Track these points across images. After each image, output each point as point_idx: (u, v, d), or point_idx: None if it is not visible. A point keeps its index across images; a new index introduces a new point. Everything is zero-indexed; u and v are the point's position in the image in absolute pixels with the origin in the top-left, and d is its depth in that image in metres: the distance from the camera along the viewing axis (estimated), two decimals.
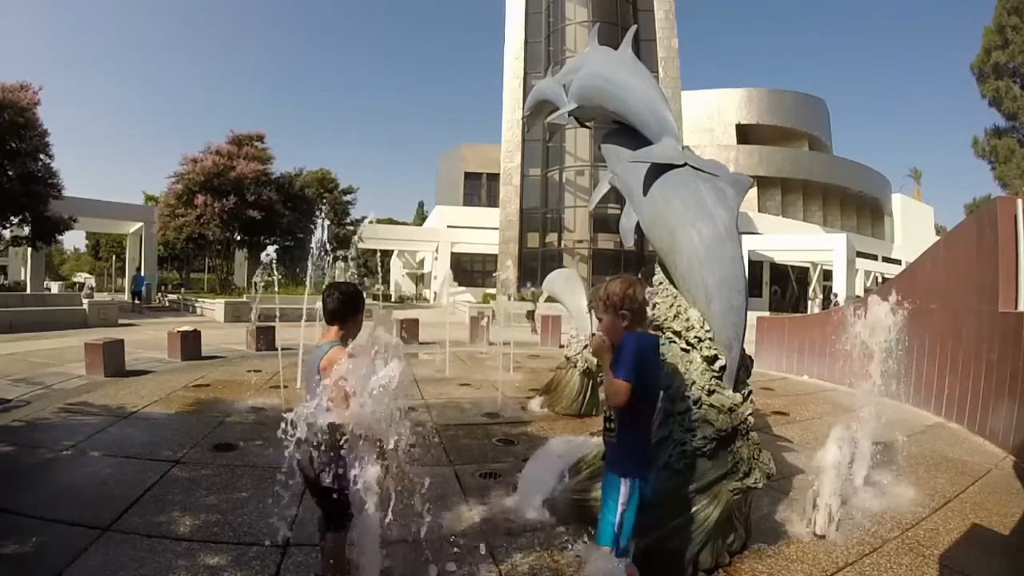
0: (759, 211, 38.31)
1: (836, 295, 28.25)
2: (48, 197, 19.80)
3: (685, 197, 3.29)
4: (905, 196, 50.72)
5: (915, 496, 4.14)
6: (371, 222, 32.23)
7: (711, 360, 3.10)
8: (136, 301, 23.58)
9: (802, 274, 37.12)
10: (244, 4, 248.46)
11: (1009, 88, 21.75)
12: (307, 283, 9.04)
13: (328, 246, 8.65)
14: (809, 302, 26.87)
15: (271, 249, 9.17)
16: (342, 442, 2.27)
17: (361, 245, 32.28)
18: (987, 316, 6.02)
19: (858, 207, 46.62)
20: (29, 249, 23.90)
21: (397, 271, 43.23)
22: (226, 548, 3.12)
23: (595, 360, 6.58)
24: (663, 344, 3.48)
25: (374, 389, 2.20)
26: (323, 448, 2.27)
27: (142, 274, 25.63)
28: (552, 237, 30.25)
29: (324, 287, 2.72)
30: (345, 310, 2.61)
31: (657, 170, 3.47)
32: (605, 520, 2.35)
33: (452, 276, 27.37)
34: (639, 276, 2.52)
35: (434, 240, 36.94)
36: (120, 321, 16.75)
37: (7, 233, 21.64)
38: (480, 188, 43.64)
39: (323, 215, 10.50)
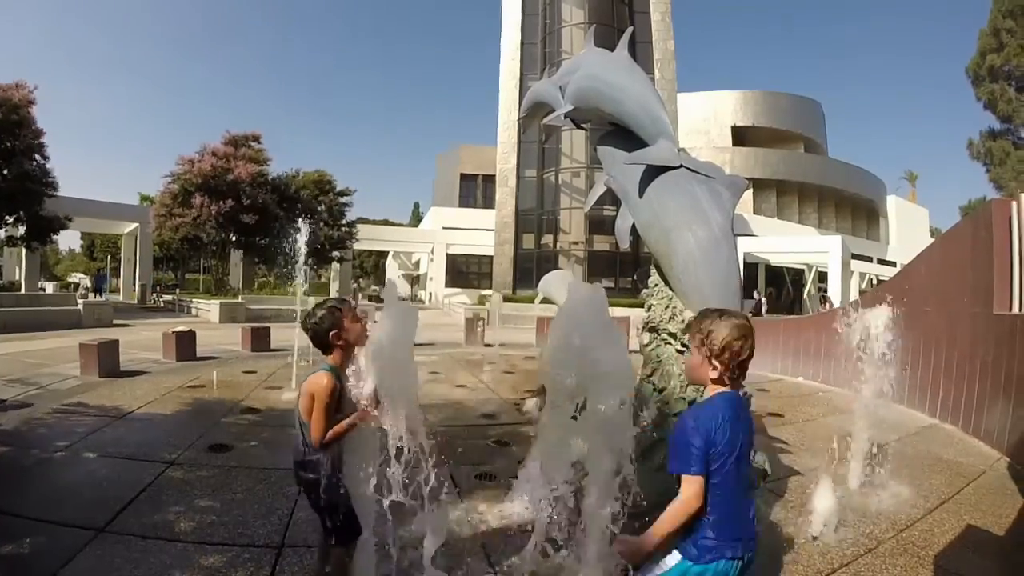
0: (754, 213, 38.45)
1: (758, 296, 28.12)
2: (43, 196, 19.68)
3: (681, 199, 3.31)
4: (900, 198, 50.96)
5: (910, 497, 4.16)
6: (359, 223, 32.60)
7: None
8: (97, 297, 28.53)
9: (797, 276, 37.26)
10: (242, 3, 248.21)
11: (1004, 91, 21.88)
12: (302, 284, 9.04)
13: (306, 245, 8.64)
14: (762, 299, 27.00)
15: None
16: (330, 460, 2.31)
17: (356, 246, 32.35)
18: (982, 318, 6.05)
19: (853, 209, 46.82)
20: (24, 249, 23.79)
21: (392, 272, 43.24)
22: (221, 549, 3.11)
23: None
24: (658, 346, 3.48)
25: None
26: (319, 468, 2.31)
27: (103, 274, 32.08)
28: (548, 239, 30.24)
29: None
30: (316, 342, 2.41)
31: (653, 172, 3.48)
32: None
33: (444, 282, 27.69)
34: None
35: (429, 241, 36.96)
36: (115, 322, 16.68)
37: (2, 233, 21.49)
38: (476, 190, 43.69)
39: (305, 221, 10.56)
